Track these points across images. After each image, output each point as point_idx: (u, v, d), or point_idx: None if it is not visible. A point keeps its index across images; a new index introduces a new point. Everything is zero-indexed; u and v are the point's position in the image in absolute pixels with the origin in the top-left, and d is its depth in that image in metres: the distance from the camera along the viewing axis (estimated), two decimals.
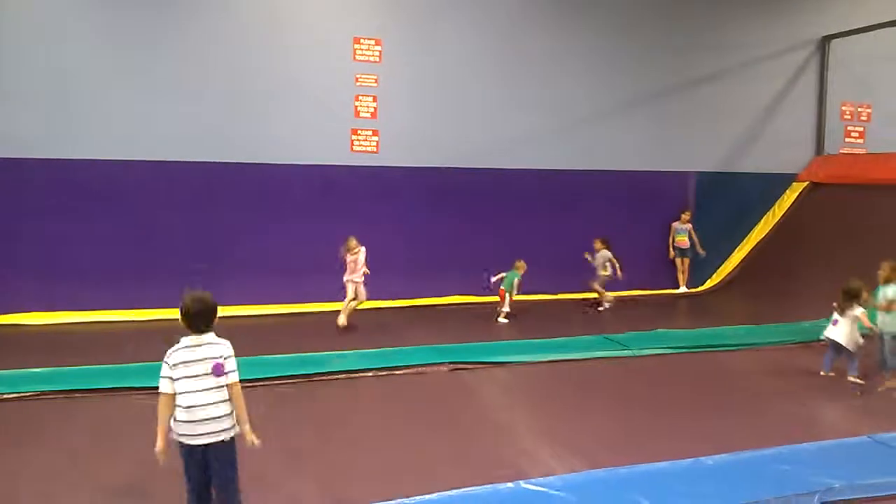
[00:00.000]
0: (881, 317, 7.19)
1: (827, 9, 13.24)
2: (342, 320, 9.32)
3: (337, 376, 7.16)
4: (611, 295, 11.10)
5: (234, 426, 3.87)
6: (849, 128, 13.64)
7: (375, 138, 10.96)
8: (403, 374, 7.35)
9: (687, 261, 12.43)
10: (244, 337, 8.52)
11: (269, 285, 10.38)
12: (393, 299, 10.81)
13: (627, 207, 12.26)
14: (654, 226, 12.53)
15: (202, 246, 10.17)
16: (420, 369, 7.45)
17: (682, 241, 12.34)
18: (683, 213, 12.39)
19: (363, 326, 9.53)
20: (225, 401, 3.82)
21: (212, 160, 10.22)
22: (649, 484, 4.61)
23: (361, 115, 10.89)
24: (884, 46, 13.15)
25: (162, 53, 9.99)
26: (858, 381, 7.15)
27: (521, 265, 10.27)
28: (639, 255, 12.12)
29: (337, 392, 6.83)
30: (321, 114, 10.66)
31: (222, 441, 3.83)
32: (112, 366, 7.24)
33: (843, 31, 12.98)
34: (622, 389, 7.00)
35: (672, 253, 12.48)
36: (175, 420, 3.79)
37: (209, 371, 3.79)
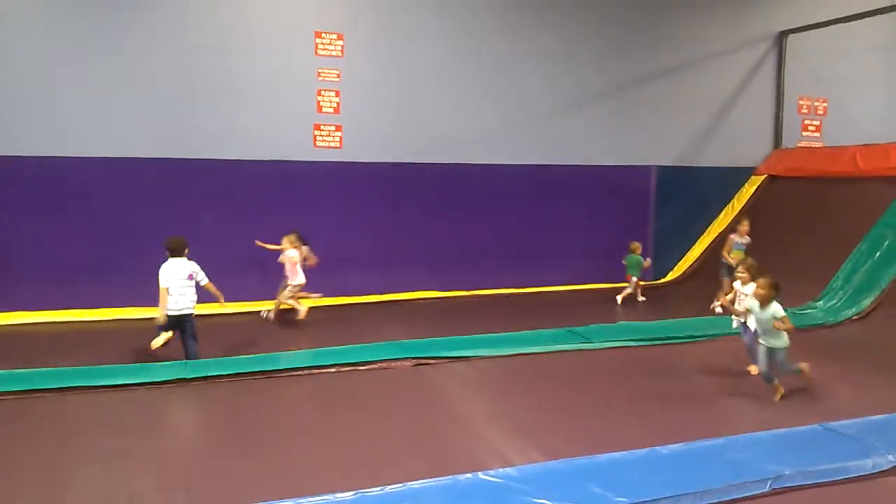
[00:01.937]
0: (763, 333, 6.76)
1: (783, 4, 13.50)
2: (302, 313, 9.37)
3: (299, 373, 7.15)
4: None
5: (193, 305, 7.21)
6: (806, 122, 13.93)
7: (339, 133, 10.91)
8: (367, 369, 7.34)
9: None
10: (212, 334, 8.63)
11: (232, 282, 10.24)
12: (357, 295, 10.79)
13: (590, 201, 12.39)
14: (618, 219, 12.66)
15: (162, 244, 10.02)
16: (383, 365, 7.44)
17: (738, 258, 9.32)
18: (741, 222, 10.35)
19: (327, 322, 9.50)
20: (192, 292, 7.20)
21: (172, 157, 10.10)
22: (606, 474, 4.66)
23: (324, 110, 10.83)
24: (839, 41, 13.46)
25: (120, 48, 9.82)
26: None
27: (637, 245, 11.18)
28: (601, 248, 12.25)
29: (299, 388, 6.81)
30: (283, 109, 10.59)
31: (189, 313, 7.20)
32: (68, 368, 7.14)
33: (799, 26, 13.24)
34: (583, 382, 7.07)
35: (721, 272, 10.21)
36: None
37: (185, 276, 7.15)
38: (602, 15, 12.30)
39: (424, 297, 11.14)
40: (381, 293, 10.93)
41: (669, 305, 10.97)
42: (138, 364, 7.35)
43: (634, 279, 11.17)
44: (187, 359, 7.23)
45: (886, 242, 10.20)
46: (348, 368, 7.31)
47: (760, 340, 6.56)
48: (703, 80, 13.05)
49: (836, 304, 9.94)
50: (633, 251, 11.21)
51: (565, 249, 12.21)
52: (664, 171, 12.89)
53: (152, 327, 7.41)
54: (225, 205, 10.38)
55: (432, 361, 7.60)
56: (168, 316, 7.08)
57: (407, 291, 11.13)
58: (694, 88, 13.00)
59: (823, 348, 8.39)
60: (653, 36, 12.65)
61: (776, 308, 6.37)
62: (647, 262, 11.36)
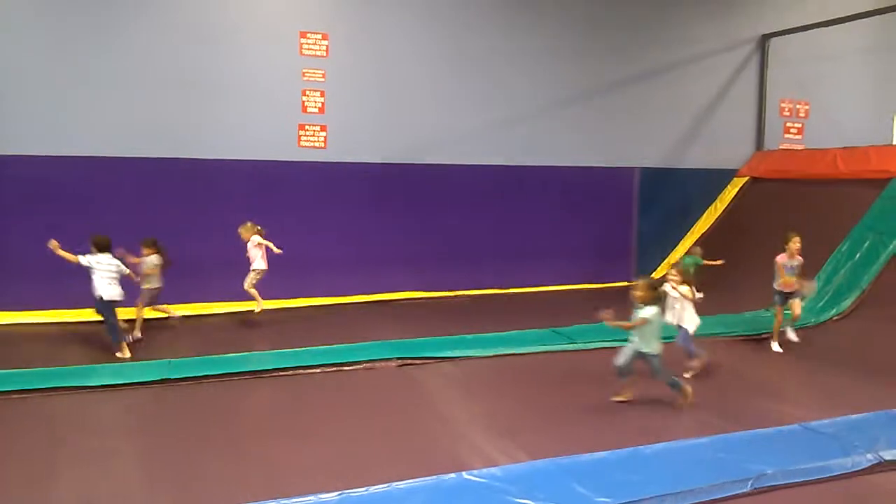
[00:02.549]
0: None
1: (766, 8, 13.62)
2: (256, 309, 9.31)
3: (283, 373, 7.12)
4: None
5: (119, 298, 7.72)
6: (788, 124, 14.07)
7: (323, 133, 10.88)
8: (352, 370, 7.33)
9: (797, 302, 8.61)
10: (195, 334, 8.59)
11: (214, 282, 10.22)
12: (341, 295, 10.76)
13: (574, 202, 12.44)
14: (602, 220, 12.72)
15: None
16: (368, 365, 7.44)
17: (789, 283, 8.45)
18: (790, 240, 8.50)
19: (312, 322, 9.47)
20: (118, 285, 7.71)
21: (155, 156, 10.02)
22: (590, 474, 4.69)
23: (309, 110, 10.80)
24: (821, 45, 13.60)
25: (105, 47, 9.74)
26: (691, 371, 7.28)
27: (697, 249, 11.30)
28: (585, 249, 12.31)
29: (283, 389, 6.79)
30: (267, 109, 10.55)
31: (115, 300, 7.70)
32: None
33: (781, 29, 13.36)
34: (568, 383, 7.10)
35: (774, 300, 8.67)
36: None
37: (112, 270, 7.68)
38: (586, 16, 12.36)
39: (410, 297, 11.14)
40: (366, 293, 10.90)
41: None
42: (121, 364, 7.31)
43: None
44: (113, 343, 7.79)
45: (867, 244, 10.31)
46: (333, 369, 7.30)
47: (630, 341, 6.34)
48: (686, 82, 13.14)
49: (817, 304, 10.03)
50: (692, 253, 11.45)
51: (550, 250, 12.25)
52: (647, 172, 12.96)
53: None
54: (207, 205, 10.30)
55: (417, 362, 7.61)
56: (97, 299, 7.65)
57: (392, 292, 11.12)
58: (677, 90, 13.09)
59: (805, 348, 8.50)
60: (637, 38, 12.72)
61: (647, 311, 6.16)
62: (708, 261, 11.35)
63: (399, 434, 5.59)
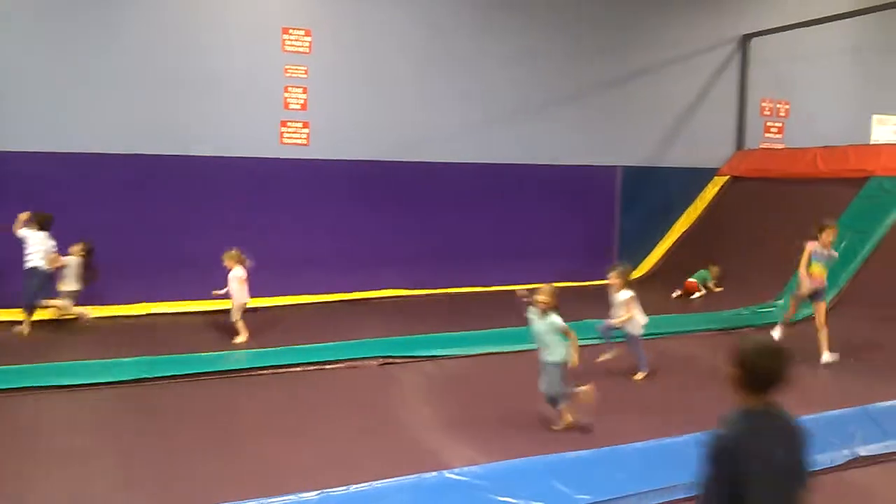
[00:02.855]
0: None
1: (747, 8, 13.72)
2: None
3: (263, 372, 7.09)
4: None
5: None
6: (768, 124, 14.19)
7: (306, 130, 10.84)
8: (333, 369, 7.31)
9: (822, 306, 7.89)
10: (173, 334, 8.52)
11: (195, 280, 10.11)
12: (323, 293, 10.72)
13: (559, 200, 12.47)
14: (585, 219, 12.77)
15: (125, 242, 9.87)
16: (350, 364, 7.41)
17: (820, 275, 7.83)
18: (824, 228, 7.82)
19: (294, 321, 9.43)
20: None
21: (136, 152, 9.93)
22: (570, 471, 4.70)
23: (291, 106, 10.75)
24: (801, 45, 13.72)
25: (86, 43, 9.65)
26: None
27: (714, 269, 11.63)
28: (568, 247, 12.35)
29: (263, 388, 6.76)
30: (249, 106, 10.50)
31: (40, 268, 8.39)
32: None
33: (762, 29, 13.47)
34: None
35: (803, 289, 8.00)
36: None
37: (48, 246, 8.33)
38: (570, 17, 12.39)
39: (393, 295, 11.11)
40: (349, 292, 10.87)
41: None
42: (99, 361, 7.23)
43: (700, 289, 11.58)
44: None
45: (844, 243, 10.40)
46: (314, 368, 7.27)
47: (542, 356, 5.82)
48: (668, 81, 13.22)
49: None
50: (709, 270, 11.76)
51: (534, 248, 12.28)
52: (630, 171, 13.03)
53: (118, 327, 7.28)
54: (188, 202, 10.23)
55: (399, 361, 7.59)
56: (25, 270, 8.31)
57: (375, 290, 11.09)
58: (660, 90, 13.16)
59: (783, 345, 8.56)
60: (620, 39, 12.78)
61: (555, 318, 5.72)
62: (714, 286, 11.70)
63: (380, 433, 5.59)
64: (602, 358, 7.26)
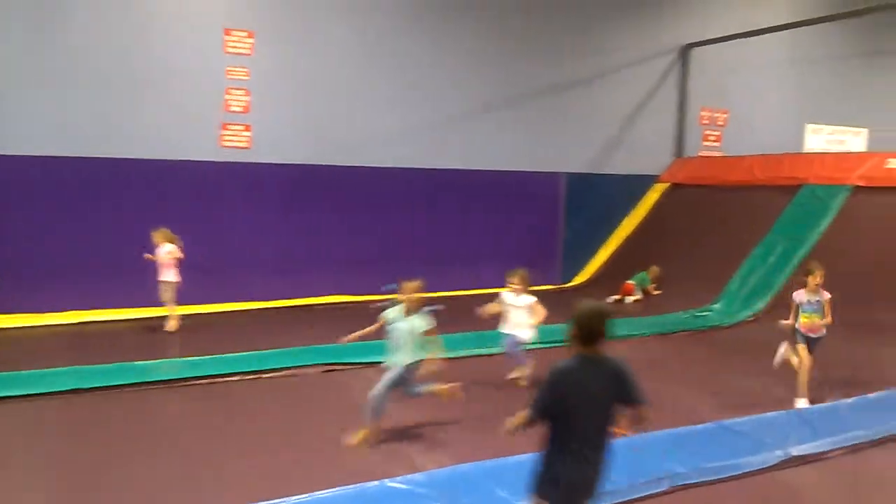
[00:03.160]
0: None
1: (687, 19, 14.04)
2: (171, 325, 8.84)
3: (200, 381, 6.89)
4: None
5: None
6: (707, 132, 14.53)
7: (247, 133, 10.64)
8: (273, 377, 7.17)
9: (803, 355, 6.67)
10: (101, 343, 8.24)
11: (127, 287, 9.80)
12: (265, 300, 10.53)
13: (503, 206, 12.53)
14: (529, 224, 12.84)
15: (56, 248, 9.51)
16: (291, 372, 7.28)
17: (813, 323, 6.63)
18: (810, 272, 6.65)
19: (232, 328, 9.23)
20: None
21: (73, 155, 9.60)
22: (511, 476, 4.68)
23: (232, 108, 10.54)
24: (739, 56, 14.10)
25: (18, 44, 9.29)
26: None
27: (654, 269, 11.77)
28: (513, 252, 12.39)
29: (200, 398, 6.57)
30: (188, 107, 10.26)
31: None
32: None
33: (702, 40, 13.80)
34: (493, 387, 7.12)
35: (799, 354, 6.70)
36: None
37: None
38: (515, 22, 12.48)
39: (336, 301, 10.96)
40: (290, 298, 10.68)
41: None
42: (29, 372, 6.94)
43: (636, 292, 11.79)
44: None
45: (779, 248, 10.75)
46: (253, 376, 7.11)
47: (392, 359, 5.64)
48: (611, 89, 13.42)
49: (731, 306, 10.39)
50: (648, 272, 11.95)
51: (478, 254, 12.29)
52: (573, 177, 13.17)
53: (47, 336, 6.97)
54: (123, 206, 9.93)
55: (342, 367, 7.49)
56: None
57: (317, 296, 10.93)
58: (603, 97, 13.35)
59: (719, 348, 8.79)
60: (564, 46, 12.91)
61: (422, 320, 5.62)
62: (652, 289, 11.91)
63: (321, 442, 5.48)
64: (513, 375, 7.11)
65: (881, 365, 7.82)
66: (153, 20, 10.03)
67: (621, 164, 13.58)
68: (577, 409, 3.37)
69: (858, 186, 10.63)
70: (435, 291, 11.64)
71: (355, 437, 5.38)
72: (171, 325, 8.72)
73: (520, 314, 6.99)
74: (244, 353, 7.77)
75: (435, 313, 5.83)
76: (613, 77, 13.43)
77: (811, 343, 6.67)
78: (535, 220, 12.90)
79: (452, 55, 12.02)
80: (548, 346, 8.17)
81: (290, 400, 6.55)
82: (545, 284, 12.82)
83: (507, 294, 7.09)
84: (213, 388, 6.81)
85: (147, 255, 8.55)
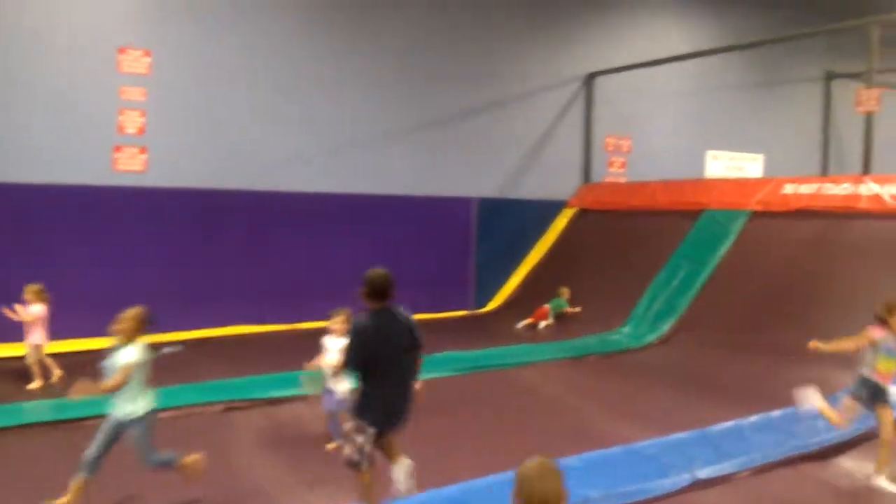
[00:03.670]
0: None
1: (593, 48, 14.37)
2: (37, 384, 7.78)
3: (83, 423, 6.33)
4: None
5: None
6: (612, 158, 14.85)
7: (142, 156, 10.13)
8: (167, 416, 6.64)
9: (888, 412, 5.42)
10: None
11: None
12: (161, 332, 9.91)
13: (414, 231, 12.36)
14: (441, 249, 12.73)
15: None
16: (188, 411, 6.78)
17: (888, 373, 5.38)
18: (893, 311, 5.31)
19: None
20: None
21: None
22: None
23: (127, 130, 10.02)
24: (643, 84, 14.53)
25: None
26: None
27: (565, 291, 11.64)
28: (424, 278, 12.25)
29: (82, 442, 6.02)
30: (79, 129, 9.70)
31: None
32: None
33: (606, 69, 14.15)
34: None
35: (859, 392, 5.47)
36: None
37: None
38: (422, 48, 12.46)
39: (237, 332, 10.46)
40: (187, 330, 10.07)
41: (495, 333, 11.10)
42: None
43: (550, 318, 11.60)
44: None
45: (682, 272, 11.00)
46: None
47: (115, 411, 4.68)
48: (520, 115, 13.55)
49: (639, 329, 10.53)
50: (560, 295, 11.77)
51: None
52: (484, 202, 13.17)
53: None
54: (5, 232, 9.22)
55: (244, 405, 7.07)
56: None
57: (219, 327, 10.41)
58: (512, 123, 13.46)
59: (628, 371, 8.84)
60: (474, 69, 12.97)
61: (126, 354, 4.67)
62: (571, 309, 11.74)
63: (214, 489, 5.09)
64: (331, 446, 5.86)
65: (779, 384, 7.97)
66: (41, 38, 9.45)
67: (531, 190, 13.69)
68: (386, 352, 4.32)
69: (756, 211, 11.01)
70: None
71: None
72: (37, 384, 7.78)
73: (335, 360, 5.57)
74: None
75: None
76: (522, 103, 13.58)
77: (874, 392, 5.31)
78: (447, 244, 12.80)
79: (361, 78, 11.86)
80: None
81: (183, 442, 6.02)
82: (458, 310, 12.75)
83: (327, 338, 6.00)
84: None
85: (8, 312, 7.66)
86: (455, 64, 12.78)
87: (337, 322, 6.07)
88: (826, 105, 16.74)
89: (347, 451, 4.46)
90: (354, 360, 4.29)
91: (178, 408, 6.75)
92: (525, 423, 6.74)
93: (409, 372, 4.52)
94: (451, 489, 4.93)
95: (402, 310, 4.48)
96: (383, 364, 4.31)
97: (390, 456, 4.64)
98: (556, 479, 2.65)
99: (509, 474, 4.89)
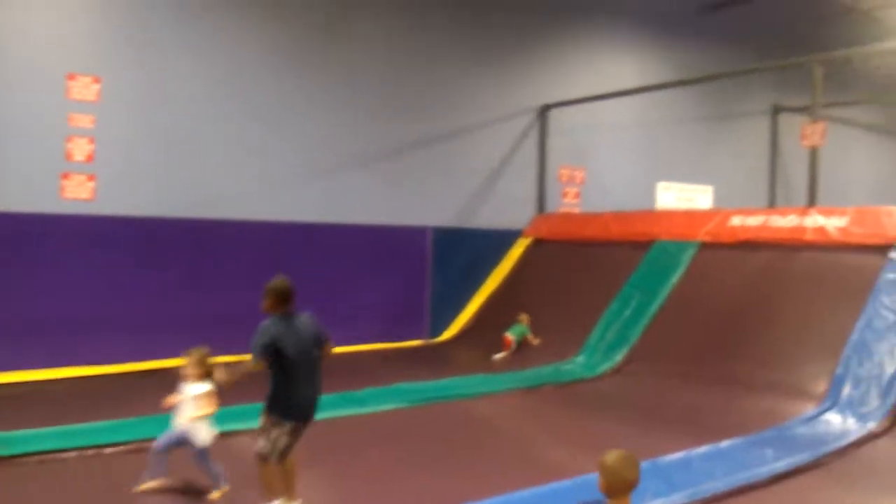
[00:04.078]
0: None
1: (547, 80, 14.62)
2: None
3: (33, 458, 6.11)
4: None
5: None
6: (566, 189, 15.07)
7: (91, 184, 9.91)
8: (117, 451, 6.48)
9: None
10: None
11: None
12: (110, 364, 9.67)
13: (368, 260, 12.32)
14: (396, 279, 12.70)
15: None
16: (138, 445, 6.51)
17: None
18: None
19: (70, 396, 8.38)
20: None
21: None
22: None
23: (75, 157, 9.81)
24: (595, 116, 14.83)
25: None
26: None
27: (525, 317, 11.63)
28: (380, 308, 12.21)
29: (34, 479, 5.81)
30: (24, 156, 9.44)
31: None
32: None
33: (559, 101, 14.41)
34: (357, 448, 6.80)
35: None
36: None
37: None
38: (377, 76, 12.51)
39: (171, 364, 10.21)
40: (134, 361, 9.83)
41: (449, 363, 11.08)
42: None
43: (513, 345, 11.49)
44: None
45: (634, 302, 11.15)
46: (92, 452, 6.40)
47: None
48: (475, 145, 13.68)
49: (593, 359, 10.62)
50: (521, 321, 11.71)
51: (343, 310, 11.88)
52: (440, 232, 13.20)
53: None
54: None
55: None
56: None
57: (170, 358, 10.14)
58: (468, 152, 13.58)
59: (582, 401, 8.90)
60: (428, 98, 13.07)
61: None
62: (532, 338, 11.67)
63: None
64: (144, 487, 5.60)
65: (728, 414, 8.15)
66: None
67: (487, 219, 13.78)
68: (296, 349, 4.74)
69: (705, 242, 11.25)
70: None
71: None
72: None
73: (190, 408, 5.47)
74: (79, 425, 7.02)
75: None
76: (478, 133, 13.72)
77: None
78: (401, 273, 12.77)
79: (315, 107, 11.85)
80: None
81: (132, 479, 5.86)
82: (413, 339, 12.70)
83: (183, 384, 5.62)
84: (45, 466, 6.05)
85: None
86: (410, 94, 12.87)
87: (190, 366, 5.52)
88: (773, 138, 17.32)
89: (261, 443, 4.94)
90: (260, 353, 4.71)
91: (128, 442, 6.61)
92: (477, 454, 6.71)
93: (319, 367, 5.02)
94: None
95: (306, 314, 5.04)
96: (294, 360, 4.75)
97: (287, 485, 4.93)
98: (635, 467, 3.37)
99: None
